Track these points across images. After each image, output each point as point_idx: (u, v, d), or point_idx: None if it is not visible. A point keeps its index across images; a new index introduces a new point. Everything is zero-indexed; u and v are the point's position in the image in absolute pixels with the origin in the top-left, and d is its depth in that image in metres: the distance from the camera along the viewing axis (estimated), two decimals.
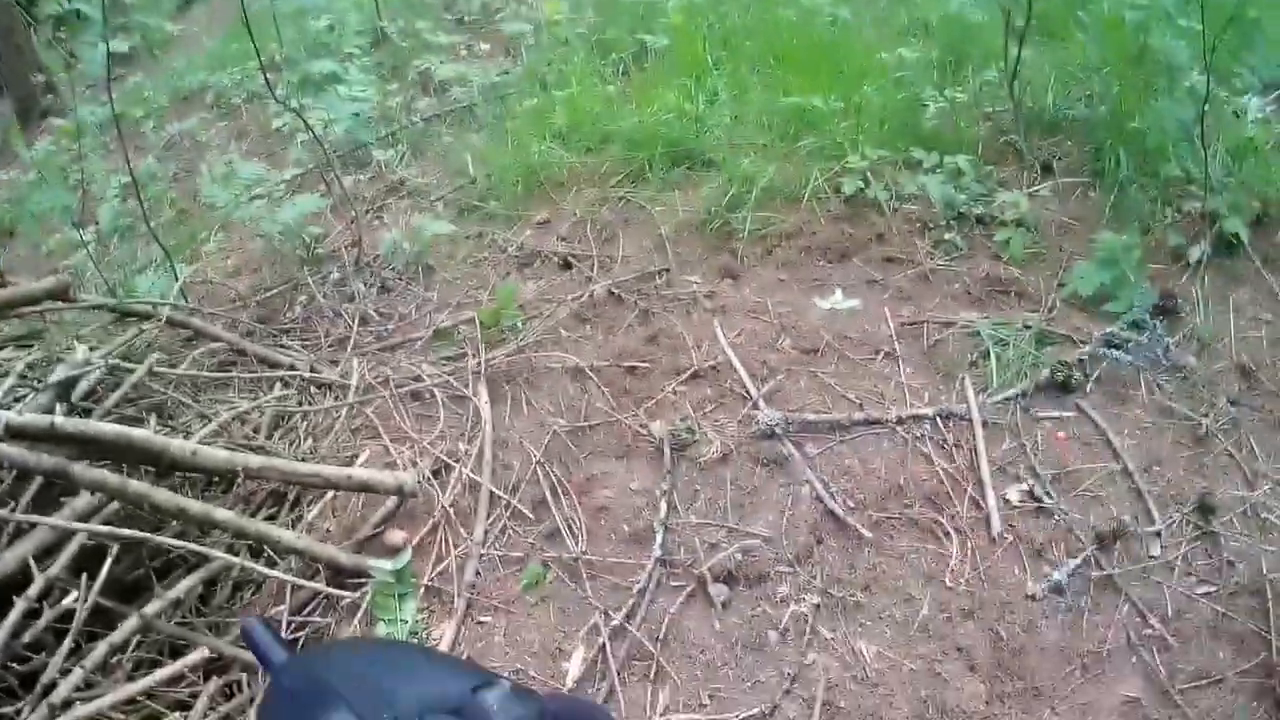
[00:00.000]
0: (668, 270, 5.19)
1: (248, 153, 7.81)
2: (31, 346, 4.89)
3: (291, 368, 4.90)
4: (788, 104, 6.02)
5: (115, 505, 3.68)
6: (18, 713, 3.24)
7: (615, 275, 5.20)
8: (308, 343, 5.22)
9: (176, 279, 5.56)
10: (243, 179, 6.36)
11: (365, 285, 5.51)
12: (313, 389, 4.80)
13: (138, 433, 3.66)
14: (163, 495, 3.56)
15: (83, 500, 3.66)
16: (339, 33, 8.70)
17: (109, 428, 3.63)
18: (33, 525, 3.54)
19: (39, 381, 4.18)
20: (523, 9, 9.07)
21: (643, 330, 4.85)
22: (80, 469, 3.47)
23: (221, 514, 3.61)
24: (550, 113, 6.60)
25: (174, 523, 3.78)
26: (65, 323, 5.20)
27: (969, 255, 5.10)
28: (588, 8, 8.38)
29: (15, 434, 3.46)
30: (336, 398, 4.69)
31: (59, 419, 3.56)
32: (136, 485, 3.54)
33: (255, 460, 3.78)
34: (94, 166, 7.87)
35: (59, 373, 4.12)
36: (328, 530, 4.01)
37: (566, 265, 5.39)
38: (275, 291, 5.70)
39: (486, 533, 3.96)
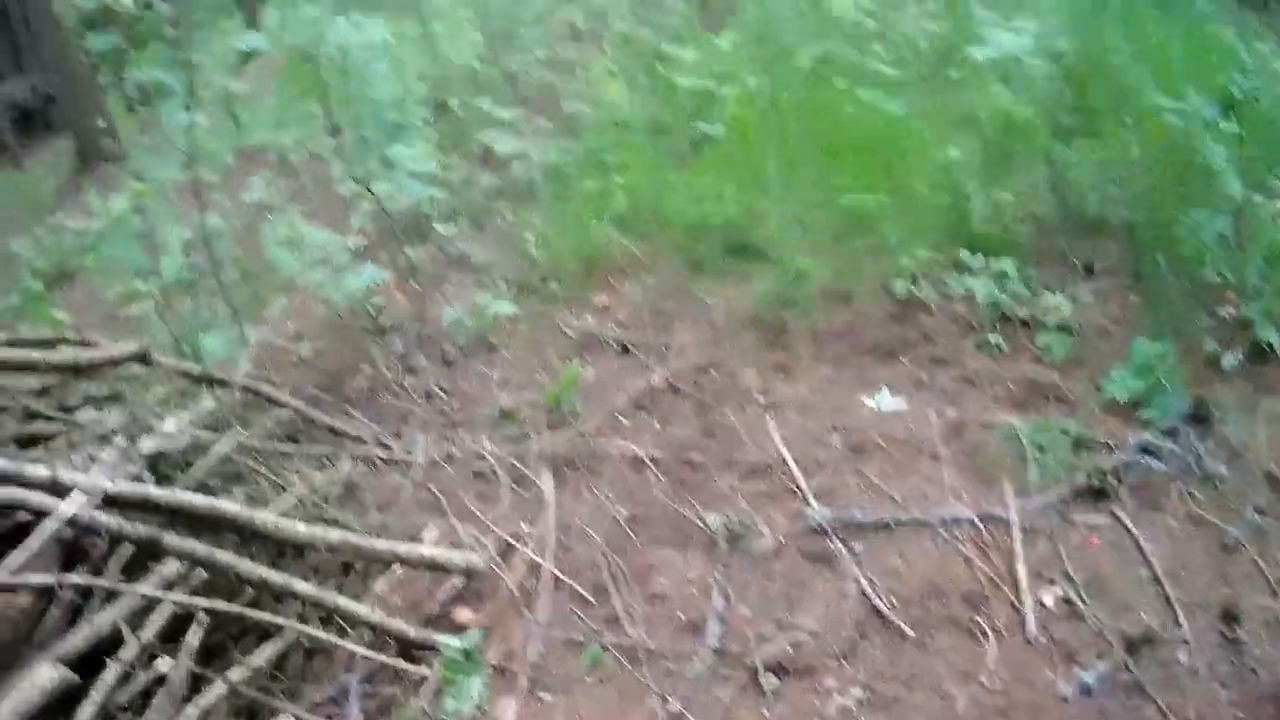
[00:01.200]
0: (723, 364, 5.36)
1: (308, 215, 7.97)
2: (105, 402, 5.09)
3: (358, 439, 5.08)
4: (840, 200, 6.18)
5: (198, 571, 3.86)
6: None
7: (672, 365, 5.38)
8: (372, 415, 5.40)
9: (246, 343, 5.75)
10: (308, 243, 6.52)
11: (428, 359, 5.71)
12: (379, 462, 4.98)
13: (227, 505, 3.88)
14: (247, 566, 3.75)
15: (171, 567, 3.82)
16: (402, 102, 8.89)
17: (200, 500, 3.85)
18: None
19: (126, 443, 4.35)
20: (583, 89, 9.25)
21: (699, 422, 5.02)
22: (172, 539, 3.65)
23: (301, 586, 3.79)
24: (610, 196, 6.78)
25: (248, 589, 3.93)
26: (135, 378, 5.37)
27: (1011, 357, 5.27)
28: (646, 92, 8.55)
29: (111, 502, 3.64)
30: (402, 472, 4.88)
31: (153, 490, 3.79)
32: (223, 556, 3.72)
33: (334, 535, 3.98)
34: (158, 217, 8.04)
35: (149, 444, 4.32)
36: (395, 603, 4.16)
37: (625, 351, 5.56)
38: (339, 360, 5.90)
39: (549, 614, 4.13)
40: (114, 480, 3.74)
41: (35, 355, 5.01)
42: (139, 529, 3.62)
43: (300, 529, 3.95)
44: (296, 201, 8.32)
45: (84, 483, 3.66)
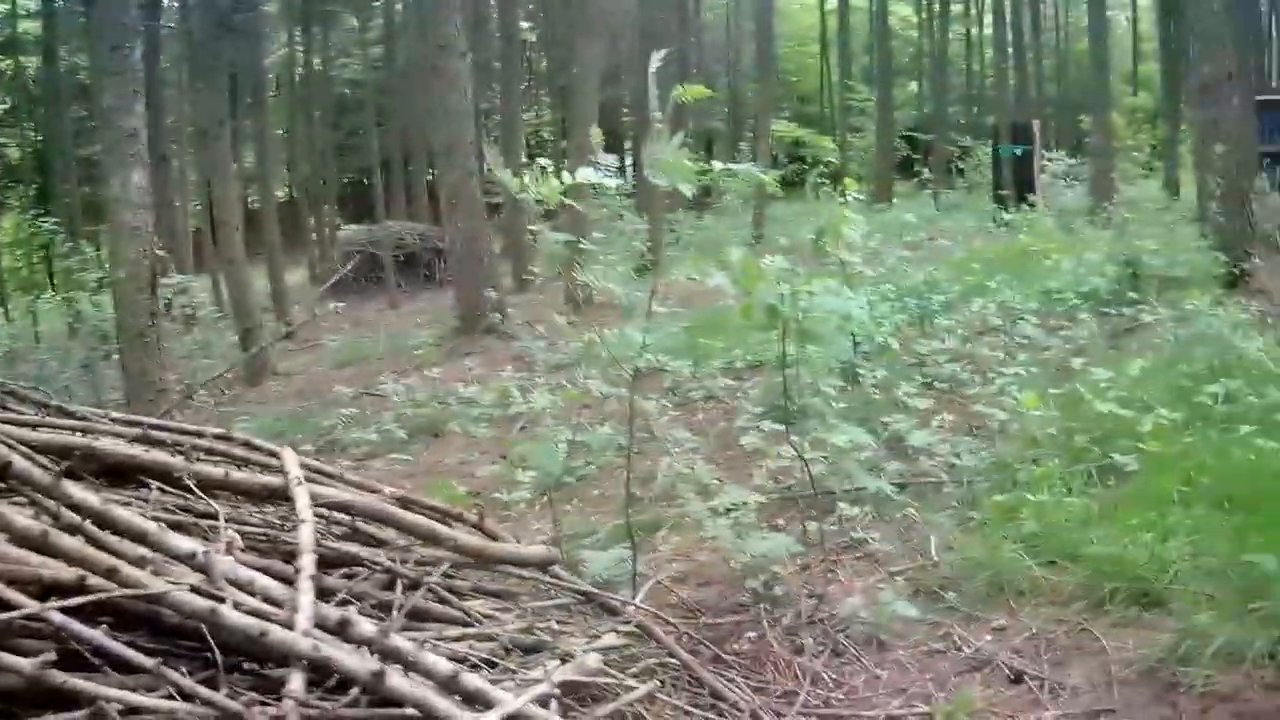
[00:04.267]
0: (1111, 711, 5.09)
1: (704, 456, 8.02)
2: (499, 599, 5.12)
3: (735, 707, 4.95)
4: (1246, 559, 5.79)
5: None
6: None
7: (1063, 704, 5.09)
8: (753, 685, 5.23)
9: (633, 570, 5.72)
10: (712, 490, 6.52)
11: (815, 641, 5.54)
12: None
13: None
14: None
15: None
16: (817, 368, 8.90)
17: None
18: None
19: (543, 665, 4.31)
20: (990, 391, 9.18)
21: None
22: None
23: None
24: (1019, 513, 6.58)
25: None
26: (524, 581, 5.41)
27: None
28: (1057, 405, 8.41)
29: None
30: None
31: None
32: None
33: None
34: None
35: (564, 672, 4.22)
36: None
37: (1017, 680, 5.31)
38: (722, 618, 5.78)
39: None
40: (521, 703, 3.62)
41: (442, 530, 5.11)
42: None
43: None
44: (692, 440, 8.36)
45: (488, 695, 3.61)
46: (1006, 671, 5.38)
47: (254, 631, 3.49)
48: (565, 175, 5.49)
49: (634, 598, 5.42)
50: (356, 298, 27.45)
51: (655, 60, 5.49)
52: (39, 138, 40.56)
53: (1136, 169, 30.80)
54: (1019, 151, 27.53)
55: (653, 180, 5.42)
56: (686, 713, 4.81)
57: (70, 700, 3.37)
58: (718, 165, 6.08)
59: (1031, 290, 13.38)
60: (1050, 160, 27.95)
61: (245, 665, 3.71)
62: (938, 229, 22.97)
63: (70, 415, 5.34)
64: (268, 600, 3.77)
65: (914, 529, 6.78)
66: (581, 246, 10.95)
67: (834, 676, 5.33)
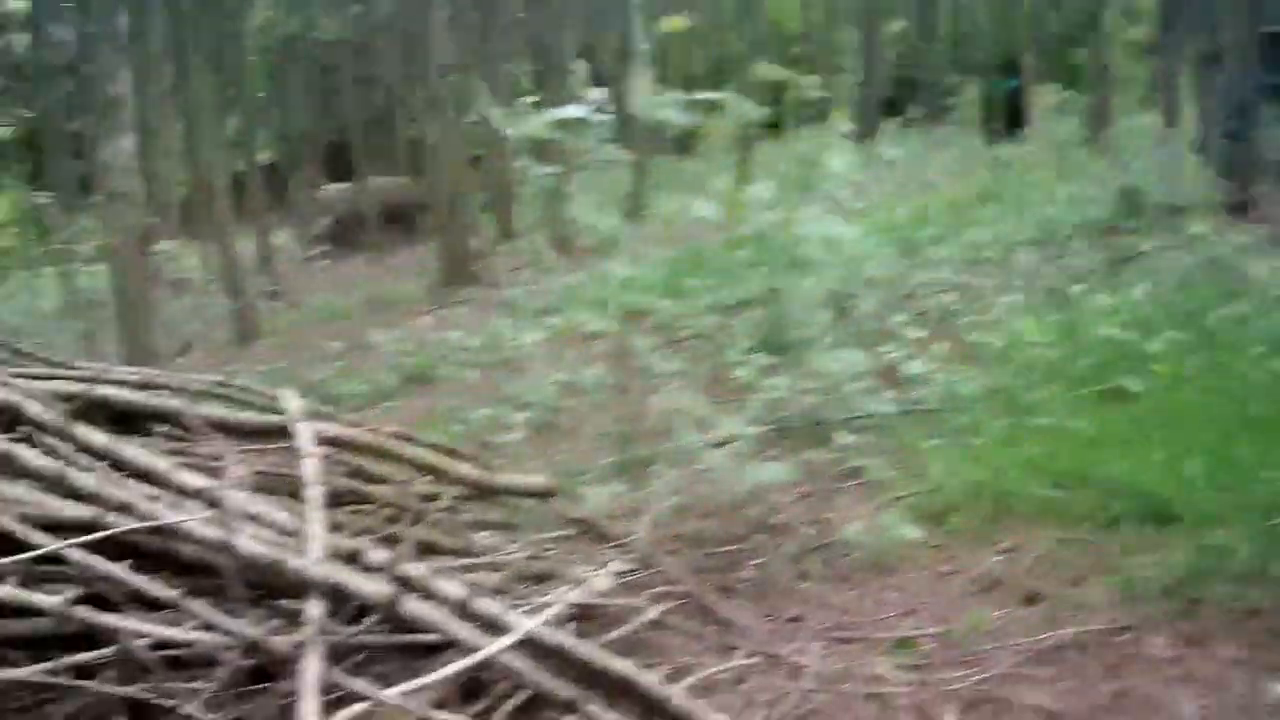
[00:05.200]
0: (1131, 628, 4.98)
1: (696, 390, 7.90)
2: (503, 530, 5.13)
3: (744, 633, 4.87)
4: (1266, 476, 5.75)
5: None
6: None
7: (1078, 622, 4.99)
8: (761, 612, 5.16)
9: (634, 508, 5.63)
10: (707, 423, 6.41)
11: (820, 568, 5.47)
12: (767, 663, 4.71)
13: (646, 676, 3.71)
14: None
15: None
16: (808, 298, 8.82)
17: (618, 664, 3.69)
18: None
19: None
20: (987, 319, 9.07)
21: (1105, 687, 4.61)
22: (594, 709, 3.52)
23: None
24: (1019, 438, 6.53)
25: None
26: (526, 512, 5.42)
27: None
28: (1057, 331, 8.32)
29: (526, 643, 3.54)
30: (791, 678, 4.59)
31: (569, 641, 3.68)
32: None
33: None
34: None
35: (576, 595, 4.22)
36: None
37: (1031, 600, 5.22)
38: (725, 548, 5.71)
39: None
40: (536, 624, 3.64)
41: (442, 461, 5.12)
42: (561, 689, 3.54)
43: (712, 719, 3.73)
44: (683, 375, 8.26)
45: (503, 619, 3.63)
46: (1018, 592, 5.30)
47: (269, 560, 3.59)
48: (549, 112, 5.43)
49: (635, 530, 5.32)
50: (341, 255, 27.47)
51: None
52: (30, 115, 40.56)
53: (1133, 101, 30.61)
54: (1010, 85, 27.40)
55: (635, 113, 5.33)
56: (696, 638, 4.75)
57: (99, 638, 3.49)
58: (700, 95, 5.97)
59: (1026, 221, 13.27)
60: (1042, 94, 27.83)
61: (262, 601, 3.81)
62: (927, 164, 22.84)
63: (75, 368, 5.34)
64: (281, 532, 3.86)
65: (913, 456, 6.69)
66: (566, 186, 10.86)
67: (841, 601, 5.27)
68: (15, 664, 3.52)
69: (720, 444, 6.29)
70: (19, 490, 3.78)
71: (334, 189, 32.88)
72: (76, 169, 32.64)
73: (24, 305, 22.73)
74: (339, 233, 27.63)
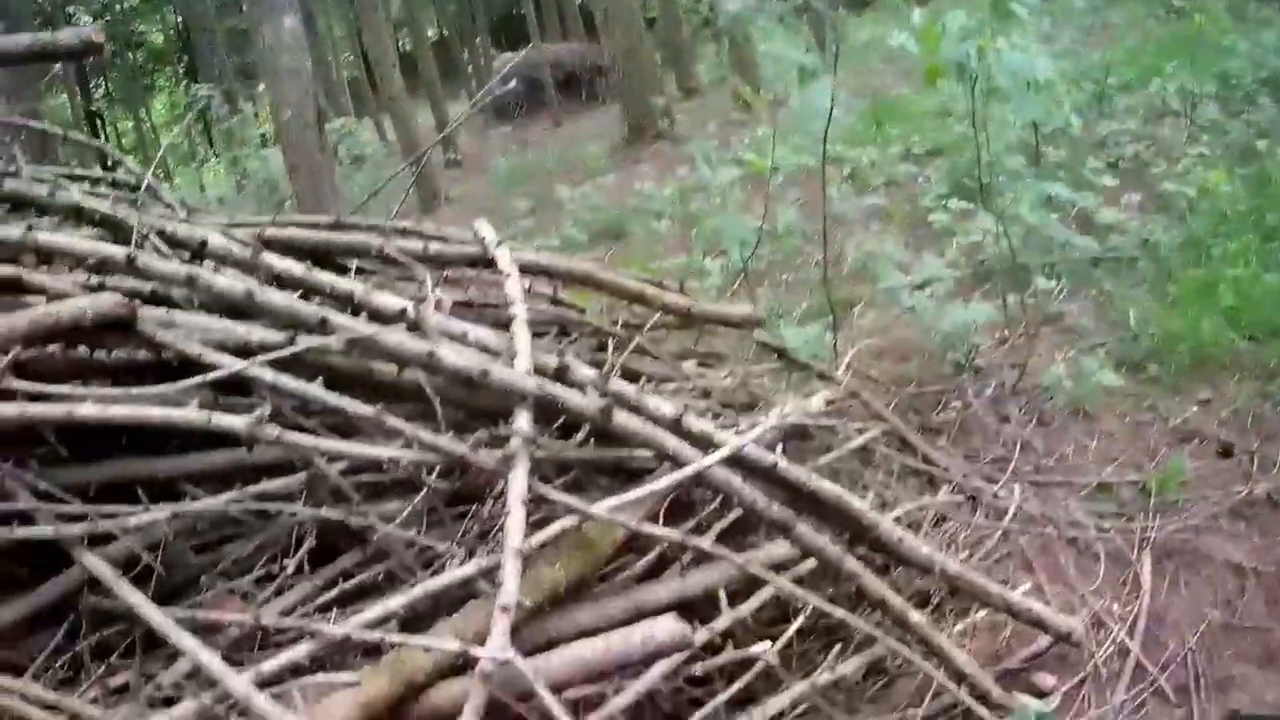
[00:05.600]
0: None
1: (892, 236, 8.00)
2: (710, 365, 5.23)
3: (946, 471, 5.01)
4: None
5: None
6: None
7: (1273, 479, 5.06)
8: (961, 453, 5.31)
9: (835, 344, 5.78)
10: (909, 265, 6.51)
11: (1020, 411, 5.59)
12: (966, 501, 4.88)
13: (857, 501, 3.70)
14: (870, 580, 3.58)
15: (780, 549, 3.76)
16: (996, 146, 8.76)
17: (829, 487, 3.67)
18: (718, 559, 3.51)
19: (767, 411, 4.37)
20: (1176, 170, 8.99)
21: None
22: (804, 530, 3.50)
23: (915, 616, 3.61)
24: (1216, 288, 6.51)
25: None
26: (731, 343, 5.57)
27: None
28: (1247, 184, 8.25)
29: (737, 462, 3.48)
30: (989, 518, 4.76)
31: (782, 462, 3.62)
32: (852, 564, 3.57)
33: (953, 566, 3.80)
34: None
35: (794, 415, 4.26)
36: (966, 649, 4.04)
37: (1226, 454, 5.29)
38: (925, 389, 5.85)
39: (1123, 704, 3.91)
40: (747, 441, 3.53)
41: (650, 290, 4.99)
42: (772, 508, 3.48)
43: (923, 550, 3.77)
44: (879, 220, 8.34)
45: (714, 437, 3.56)
46: (1215, 444, 5.37)
47: (476, 371, 3.31)
48: None
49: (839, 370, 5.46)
50: (520, 121, 27.55)
51: None
52: (180, 19, 40.93)
53: None
54: None
55: None
56: (898, 474, 4.91)
57: (288, 467, 3.45)
58: None
59: (1207, 74, 12.97)
60: None
61: (463, 428, 3.60)
62: (1108, 13, 22.21)
63: (255, 223, 4.94)
64: (484, 350, 3.62)
65: (1110, 304, 6.73)
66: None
67: (1041, 445, 5.38)
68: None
69: (919, 286, 6.41)
70: (201, 318, 3.55)
71: (507, 56, 32.77)
72: (233, 64, 33.16)
73: (193, 198, 22.98)
74: (516, 101, 27.47)
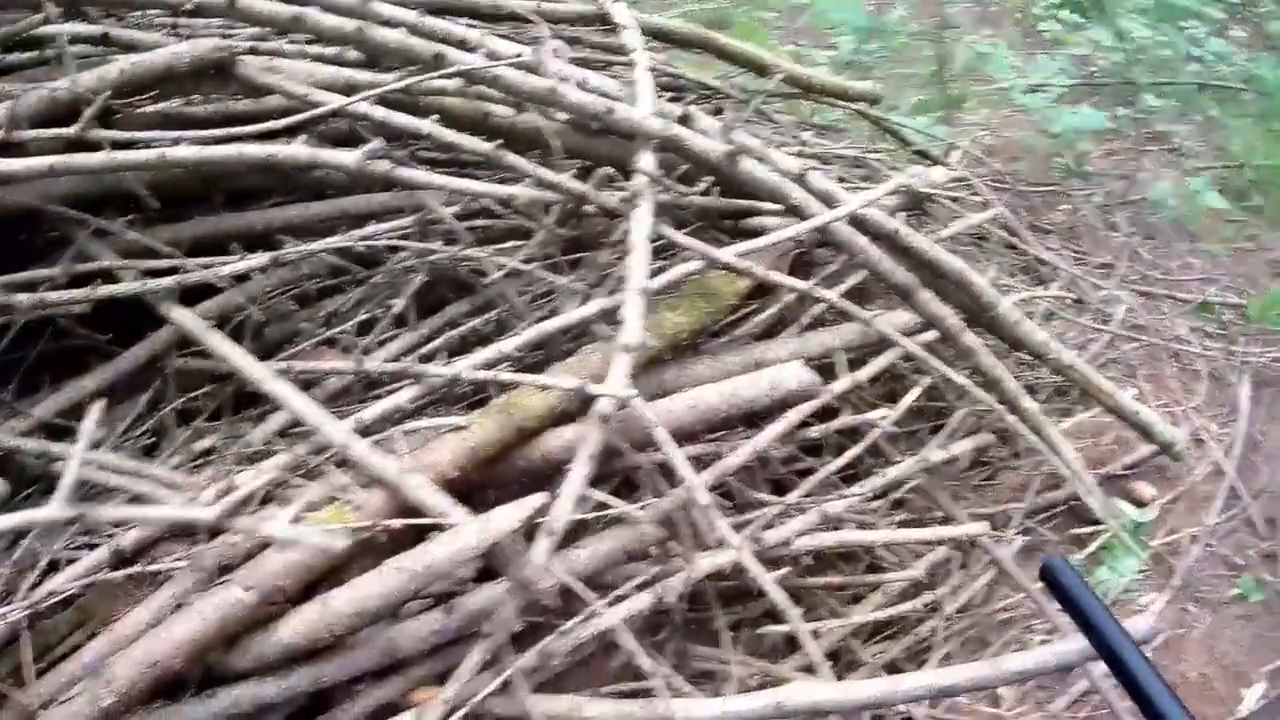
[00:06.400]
0: None
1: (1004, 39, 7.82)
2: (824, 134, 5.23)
3: (1056, 270, 5.00)
4: None
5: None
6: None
7: None
8: (1069, 253, 5.31)
9: (947, 143, 5.66)
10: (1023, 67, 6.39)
11: (1127, 221, 5.57)
12: (1072, 303, 4.88)
13: (978, 277, 3.55)
14: (988, 357, 3.50)
15: (899, 318, 3.61)
16: None
17: (952, 260, 3.51)
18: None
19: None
20: None
21: None
22: (927, 296, 3.40)
23: (1027, 402, 3.54)
24: None
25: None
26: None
27: None
28: None
29: (859, 224, 3.33)
30: (1096, 322, 4.73)
31: (904, 228, 3.45)
32: (970, 338, 3.48)
33: (1068, 356, 3.70)
34: None
35: (918, 181, 4.15)
36: None
37: None
38: (1035, 189, 5.80)
39: (1216, 526, 3.94)
40: (872, 200, 3.36)
41: (769, 56, 4.76)
42: (897, 273, 3.36)
43: (1040, 334, 3.65)
44: (991, 24, 8.15)
45: (838, 195, 3.38)
46: None
47: (600, 108, 3.14)
48: None
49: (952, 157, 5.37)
50: None
51: None
52: None
53: None
54: None
55: None
56: (1020, 266, 4.93)
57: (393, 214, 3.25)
58: None
59: None
60: None
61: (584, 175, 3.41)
62: None
63: None
64: (605, 95, 3.31)
65: (1216, 130, 6.62)
66: None
67: (1148, 257, 5.35)
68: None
69: (1032, 90, 6.30)
70: (305, 65, 3.32)
71: None
72: None
73: None
74: None
